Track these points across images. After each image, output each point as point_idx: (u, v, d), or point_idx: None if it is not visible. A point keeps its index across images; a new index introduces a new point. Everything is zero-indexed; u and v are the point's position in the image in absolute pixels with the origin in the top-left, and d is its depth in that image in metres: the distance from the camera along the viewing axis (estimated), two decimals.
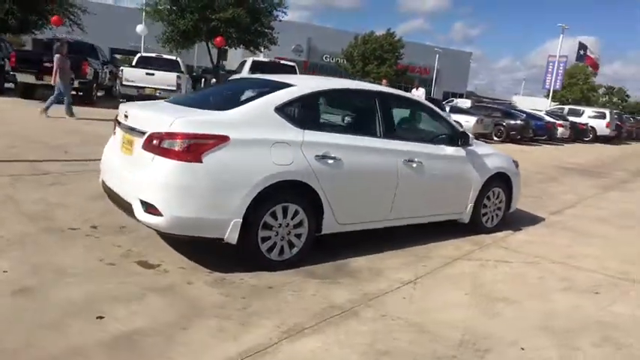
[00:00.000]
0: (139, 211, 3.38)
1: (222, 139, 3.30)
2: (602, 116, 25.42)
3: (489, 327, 3.12)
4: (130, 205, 3.46)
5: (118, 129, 3.96)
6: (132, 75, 14.05)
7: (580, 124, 23.97)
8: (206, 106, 3.86)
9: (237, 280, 3.41)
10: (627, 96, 60.45)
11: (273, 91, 3.82)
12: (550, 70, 33.57)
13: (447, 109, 17.29)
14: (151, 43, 25.97)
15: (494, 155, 5.21)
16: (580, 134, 23.60)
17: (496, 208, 5.25)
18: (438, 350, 2.77)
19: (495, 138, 18.04)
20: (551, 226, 5.87)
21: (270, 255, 3.59)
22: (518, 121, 18.66)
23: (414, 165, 4.28)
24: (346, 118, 4.55)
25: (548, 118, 21.62)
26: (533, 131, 19.26)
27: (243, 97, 4.08)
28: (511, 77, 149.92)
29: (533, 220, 6.03)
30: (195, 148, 3.24)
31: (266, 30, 24.90)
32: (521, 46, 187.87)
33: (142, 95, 13.25)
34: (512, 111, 20.61)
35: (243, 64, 15.67)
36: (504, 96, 58.02)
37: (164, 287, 3.21)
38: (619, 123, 26.35)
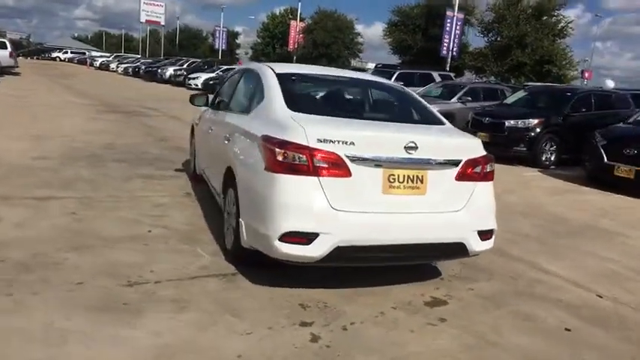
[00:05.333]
0: (475, 243, 3.27)
1: None
2: (4, 46, 24.27)
3: None
4: (456, 244, 3.22)
5: (367, 169, 2.99)
6: None
7: None
8: (395, 119, 3.76)
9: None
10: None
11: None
12: None
13: None
14: None
15: None
16: None
17: None
18: None
19: None
20: None
21: None
22: None
23: None
24: None
25: None
26: None
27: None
28: None
29: None
30: None
31: None
32: None
33: None
34: None
35: None
36: None
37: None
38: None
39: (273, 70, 3.88)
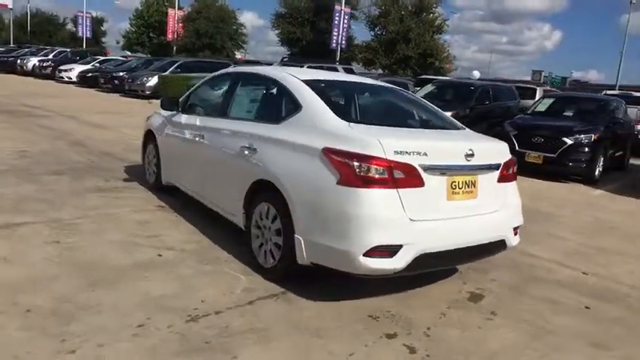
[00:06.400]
0: (512, 239, 3.56)
1: None
2: None
3: None
4: (499, 242, 3.45)
5: (435, 177, 3.06)
6: None
7: None
8: (434, 126, 3.89)
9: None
10: None
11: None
12: None
13: None
14: None
15: None
16: None
17: None
18: None
19: None
20: None
21: None
22: None
23: None
24: None
25: None
26: None
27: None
28: None
29: None
30: None
31: None
32: None
33: None
34: None
35: None
36: None
37: None
38: None
39: (295, 76, 3.74)
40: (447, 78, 17.58)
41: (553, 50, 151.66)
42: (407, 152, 2.93)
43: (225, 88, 4.51)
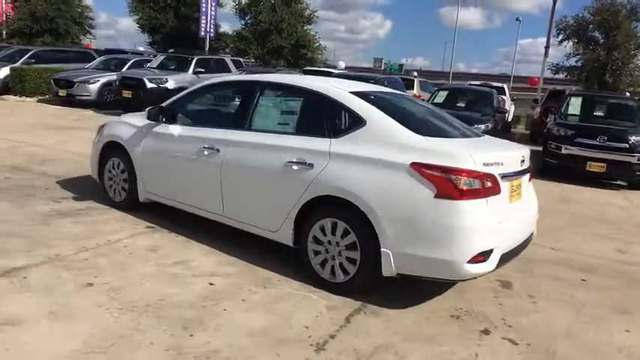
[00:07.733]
0: (535, 230, 4.05)
1: None
2: None
3: None
4: (532, 234, 3.92)
5: (504, 183, 3.35)
6: None
7: None
8: (470, 134, 4.10)
9: None
10: None
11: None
12: None
13: None
14: None
15: None
16: None
17: None
18: None
19: None
20: None
21: None
22: None
23: None
24: None
25: None
26: None
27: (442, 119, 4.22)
28: None
29: None
30: None
31: None
32: None
33: None
34: None
35: None
36: None
37: None
38: None
39: (340, 88, 3.74)
40: (346, 71, 18.27)
41: (385, 38, 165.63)
42: (491, 164, 3.23)
43: (237, 97, 4.26)
